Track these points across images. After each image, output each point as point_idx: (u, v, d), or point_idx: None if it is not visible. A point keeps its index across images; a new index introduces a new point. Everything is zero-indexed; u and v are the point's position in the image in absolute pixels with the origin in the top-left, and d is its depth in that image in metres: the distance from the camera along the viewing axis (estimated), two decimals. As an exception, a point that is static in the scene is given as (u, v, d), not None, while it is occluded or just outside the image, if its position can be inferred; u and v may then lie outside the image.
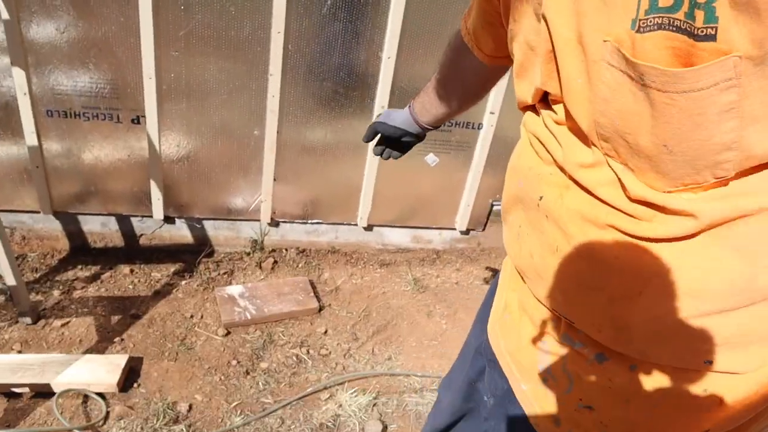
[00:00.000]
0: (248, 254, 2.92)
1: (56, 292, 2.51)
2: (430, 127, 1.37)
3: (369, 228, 3.04)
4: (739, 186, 0.66)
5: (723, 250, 0.68)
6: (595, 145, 0.74)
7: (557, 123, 0.81)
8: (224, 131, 2.56)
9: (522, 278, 0.94)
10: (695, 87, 0.60)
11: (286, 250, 2.99)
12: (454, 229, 3.14)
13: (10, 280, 2.19)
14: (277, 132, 2.59)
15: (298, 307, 2.60)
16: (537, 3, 0.76)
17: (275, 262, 2.91)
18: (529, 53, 0.82)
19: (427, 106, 1.32)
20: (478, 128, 2.79)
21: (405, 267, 3.08)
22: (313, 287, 2.77)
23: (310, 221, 2.94)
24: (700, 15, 0.56)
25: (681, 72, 0.59)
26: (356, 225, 3.00)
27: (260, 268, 2.87)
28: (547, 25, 0.73)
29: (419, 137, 1.42)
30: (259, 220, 2.86)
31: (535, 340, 0.91)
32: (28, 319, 2.31)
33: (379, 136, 1.44)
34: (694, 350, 0.74)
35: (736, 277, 0.69)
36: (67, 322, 2.37)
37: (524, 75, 0.86)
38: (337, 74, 2.52)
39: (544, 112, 0.84)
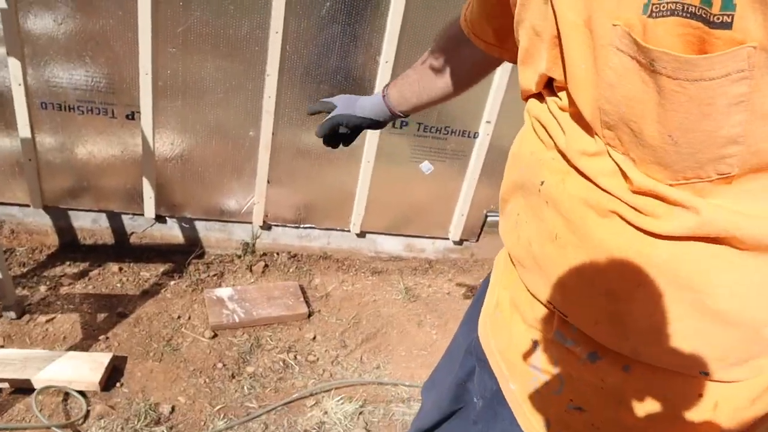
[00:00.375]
0: (239, 257, 2.89)
1: (43, 288, 2.47)
2: (402, 116, 1.31)
3: (362, 235, 3.01)
4: (742, 196, 0.64)
5: (727, 252, 0.66)
6: (597, 134, 0.72)
7: (562, 109, 0.79)
8: (219, 131, 2.54)
9: (517, 269, 0.91)
10: (707, 76, 0.58)
11: (278, 254, 2.96)
12: (448, 239, 3.12)
13: (-4, 273, 2.16)
14: (273, 133, 2.57)
15: (288, 311, 2.58)
16: None
17: (266, 265, 2.88)
18: (535, 39, 0.80)
19: (407, 94, 1.26)
20: (474, 137, 2.78)
21: (397, 275, 3.06)
22: (303, 292, 2.74)
23: (302, 226, 2.91)
24: (717, 1, 0.54)
25: (694, 59, 0.57)
26: (349, 231, 2.98)
27: (251, 271, 2.84)
28: (553, 8, 0.71)
29: (382, 125, 1.33)
30: (251, 223, 2.84)
31: (526, 338, 0.89)
32: (13, 314, 2.28)
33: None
34: (689, 356, 0.71)
35: (740, 280, 0.67)
36: (52, 318, 2.34)
37: (529, 62, 0.83)
38: (334, 77, 2.51)
39: (549, 99, 0.82)
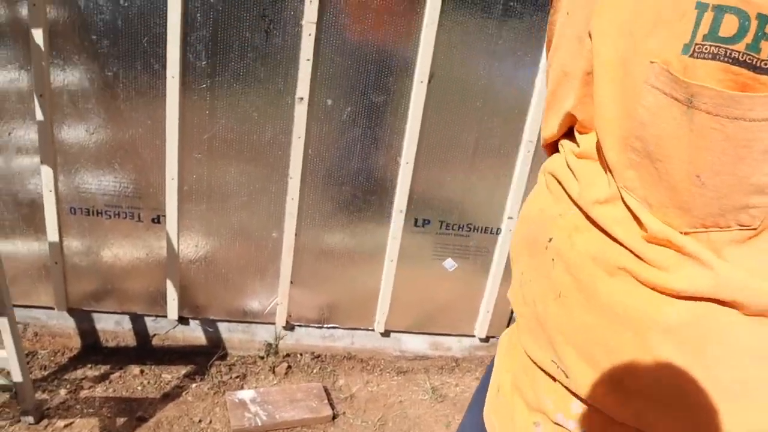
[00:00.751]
0: (262, 358, 2.86)
1: (63, 391, 2.46)
2: None
3: (386, 334, 2.97)
4: (756, 256, 0.62)
5: (735, 316, 0.64)
6: (614, 177, 0.71)
7: (578, 157, 0.79)
8: (243, 233, 2.58)
9: (520, 335, 0.89)
10: (748, 116, 0.56)
11: (301, 354, 2.92)
12: (474, 336, 3.06)
13: (17, 377, 2.15)
14: (295, 235, 2.59)
15: (311, 414, 2.51)
16: (584, 24, 0.74)
17: (289, 367, 2.84)
18: (563, 79, 0.80)
19: None
20: (497, 233, 2.77)
21: (423, 375, 2.98)
22: (327, 394, 2.68)
23: (326, 326, 2.88)
24: (766, 46, 0.54)
25: (737, 95, 0.56)
26: (373, 330, 2.94)
27: (273, 372, 2.80)
28: (592, 45, 0.72)
29: None
30: (274, 324, 2.82)
31: (528, 422, 0.85)
32: (31, 419, 2.25)
33: None
34: (695, 427, 0.68)
35: (745, 348, 0.64)
36: (71, 423, 2.30)
37: (554, 103, 0.84)
38: (356, 178, 2.55)
39: (567, 146, 0.82)
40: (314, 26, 2.18)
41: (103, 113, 2.26)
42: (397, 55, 2.36)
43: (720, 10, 0.56)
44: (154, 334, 2.77)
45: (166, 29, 2.12)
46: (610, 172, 0.71)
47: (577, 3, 0.77)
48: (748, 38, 0.54)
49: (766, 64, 0.54)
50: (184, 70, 2.22)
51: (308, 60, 2.24)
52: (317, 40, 2.23)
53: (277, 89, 2.31)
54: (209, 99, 2.29)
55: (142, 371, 2.65)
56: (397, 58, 2.36)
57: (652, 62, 0.62)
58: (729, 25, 0.55)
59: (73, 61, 2.16)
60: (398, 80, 2.39)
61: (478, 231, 2.76)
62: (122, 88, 2.22)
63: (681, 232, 0.65)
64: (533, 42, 2.38)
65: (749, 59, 0.55)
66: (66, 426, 2.29)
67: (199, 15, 2.13)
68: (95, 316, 2.69)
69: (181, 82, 2.21)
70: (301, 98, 2.30)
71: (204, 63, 2.22)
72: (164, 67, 2.18)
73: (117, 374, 2.61)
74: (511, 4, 2.29)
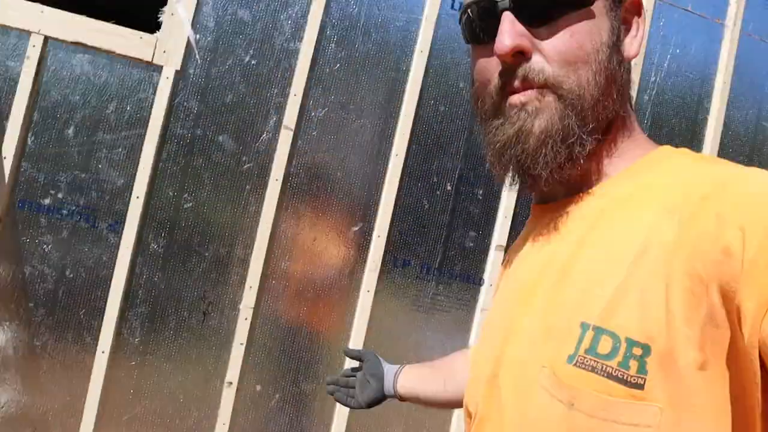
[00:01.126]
0: None
1: None
2: (397, 392, 1.33)
3: None
4: None
5: None
6: None
7: None
8: None
9: None
10: (620, 419, 0.63)
11: None
12: None
13: None
14: None
15: None
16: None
17: None
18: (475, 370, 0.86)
19: (411, 375, 1.34)
20: None
21: None
22: None
23: None
24: (634, 365, 0.62)
25: (612, 401, 0.63)
26: None
27: None
28: (502, 349, 0.80)
29: (381, 394, 1.35)
30: None
31: None
32: None
33: (358, 364, 1.44)
34: None
35: None
36: None
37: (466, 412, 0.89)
38: (278, 472, 2.41)
39: None
40: (251, 311, 2.26)
41: (19, 385, 2.16)
42: (329, 342, 2.42)
43: (599, 331, 0.66)
44: None
45: (106, 303, 2.16)
46: None
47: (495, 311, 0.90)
48: (620, 357, 0.64)
49: (633, 379, 0.63)
50: (116, 346, 2.20)
51: (241, 344, 2.27)
52: (252, 325, 2.29)
53: (206, 371, 2.29)
54: (136, 378, 2.24)
55: None
56: (328, 346, 2.42)
57: (543, 366, 0.72)
58: (605, 344, 0.65)
59: (3, 327, 2.14)
60: (329, 368, 2.42)
61: None
62: (47, 359, 2.17)
63: None
64: (458, 335, 2.50)
65: (621, 374, 0.63)
66: None
67: (141, 291, 2.19)
68: None
69: (110, 358, 2.19)
70: (230, 383, 2.28)
71: (137, 340, 2.22)
72: (96, 340, 2.17)
73: None
74: (439, 298, 2.46)
